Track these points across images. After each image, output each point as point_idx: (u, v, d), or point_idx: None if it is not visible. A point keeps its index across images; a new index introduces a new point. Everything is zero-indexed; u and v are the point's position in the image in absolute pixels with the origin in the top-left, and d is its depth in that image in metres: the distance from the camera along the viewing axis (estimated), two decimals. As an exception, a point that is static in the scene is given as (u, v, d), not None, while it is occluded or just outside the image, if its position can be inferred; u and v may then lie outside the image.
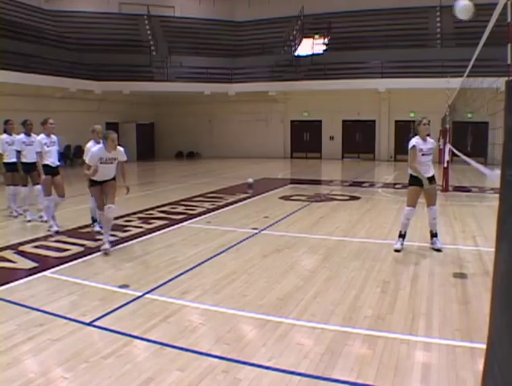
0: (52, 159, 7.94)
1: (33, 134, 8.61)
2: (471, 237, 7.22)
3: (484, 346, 1.93)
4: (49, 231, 7.71)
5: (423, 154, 6.34)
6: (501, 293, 1.70)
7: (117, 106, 23.32)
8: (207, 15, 28.19)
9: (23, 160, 8.55)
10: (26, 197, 8.86)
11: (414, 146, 6.31)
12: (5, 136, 8.97)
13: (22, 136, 8.61)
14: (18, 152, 8.54)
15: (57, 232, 7.65)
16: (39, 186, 8.54)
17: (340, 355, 3.47)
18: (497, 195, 2.09)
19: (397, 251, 6.41)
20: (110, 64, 22.31)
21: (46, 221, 8.16)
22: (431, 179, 6.45)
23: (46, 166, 7.84)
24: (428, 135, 6.44)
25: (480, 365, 2.79)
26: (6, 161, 8.90)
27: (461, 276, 5.33)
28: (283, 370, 3.26)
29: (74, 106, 20.07)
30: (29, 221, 8.51)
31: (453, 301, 4.53)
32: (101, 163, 6.39)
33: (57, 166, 8.06)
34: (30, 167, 8.49)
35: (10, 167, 8.81)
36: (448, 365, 3.31)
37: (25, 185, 8.86)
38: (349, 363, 3.35)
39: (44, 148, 7.79)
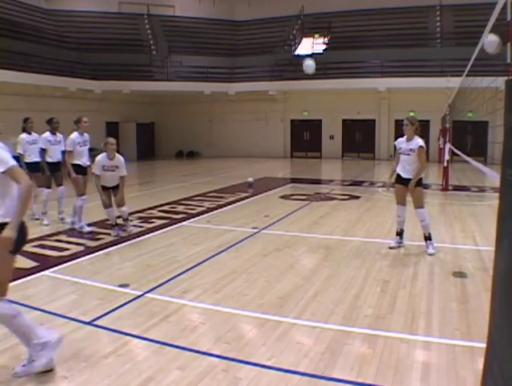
0: (84, 159, 7.68)
1: (58, 133, 8.37)
2: (471, 236, 7.23)
3: (483, 345, 1.93)
4: (81, 231, 7.58)
5: (400, 153, 6.38)
6: (501, 293, 1.70)
7: (118, 106, 23.31)
8: (207, 15, 28.17)
9: (48, 160, 8.23)
10: (47, 200, 8.42)
11: (394, 144, 6.57)
12: (25, 135, 8.52)
13: (47, 134, 8.26)
14: (43, 150, 8.21)
15: (90, 232, 7.47)
16: (62, 188, 8.45)
17: (340, 354, 3.47)
18: (496, 195, 2.10)
19: (391, 248, 6.47)
20: (110, 64, 22.30)
21: (72, 223, 7.90)
22: (404, 180, 6.30)
23: (77, 165, 7.55)
24: (421, 136, 6.30)
25: (480, 364, 2.79)
26: (27, 161, 8.41)
27: (461, 275, 5.33)
28: (283, 369, 3.26)
29: (74, 106, 20.02)
30: (46, 225, 8.11)
31: (453, 301, 4.54)
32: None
33: (88, 166, 7.78)
34: (54, 167, 8.27)
35: (33, 167, 8.35)
36: (448, 364, 3.31)
37: (48, 187, 8.48)
38: (349, 362, 3.35)
39: (77, 148, 7.50)
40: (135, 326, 4.00)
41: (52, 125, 8.29)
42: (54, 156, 8.26)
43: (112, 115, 22.69)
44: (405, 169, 6.33)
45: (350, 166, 21.15)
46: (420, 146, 6.15)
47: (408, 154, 6.26)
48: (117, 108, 23.28)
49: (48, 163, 8.26)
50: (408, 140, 6.29)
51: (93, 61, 22.14)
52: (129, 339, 3.74)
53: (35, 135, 8.59)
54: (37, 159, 8.36)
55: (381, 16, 24.68)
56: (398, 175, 6.43)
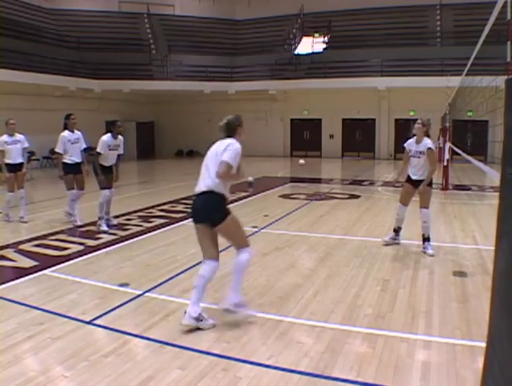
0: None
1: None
2: (471, 236, 7.23)
3: (483, 345, 1.93)
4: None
5: (410, 156, 6.36)
6: (501, 292, 1.70)
7: (117, 105, 23.29)
8: (207, 14, 28.14)
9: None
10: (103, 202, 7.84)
11: (404, 146, 6.51)
12: (67, 133, 7.86)
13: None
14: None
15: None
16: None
17: (340, 353, 3.47)
18: (496, 194, 2.09)
19: (386, 244, 6.53)
20: (110, 63, 22.29)
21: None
22: (414, 181, 6.31)
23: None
24: (428, 136, 6.29)
25: (480, 363, 2.79)
26: (66, 161, 7.87)
27: (461, 274, 5.33)
28: (283, 368, 3.26)
29: (74, 105, 19.98)
30: (105, 231, 7.58)
31: (453, 300, 4.54)
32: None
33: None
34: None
35: (72, 168, 7.89)
36: (448, 363, 3.31)
37: (109, 187, 7.86)
38: (349, 361, 3.35)
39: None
40: (135, 325, 3.99)
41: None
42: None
43: (112, 114, 22.49)
44: (415, 172, 6.32)
45: (350, 165, 21.14)
46: (429, 148, 6.15)
47: (418, 157, 6.25)
48: (117, 108, 23.25)
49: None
50: (418, 142, 6.27)
51: (93, 60, 22.13)
52: (129, 339, 3.74)
53: (77, 133, 8.03)
54: (78, 160, 7.95)
55: (381, 15, 24.67)
56: (409, 176, 6.44)
